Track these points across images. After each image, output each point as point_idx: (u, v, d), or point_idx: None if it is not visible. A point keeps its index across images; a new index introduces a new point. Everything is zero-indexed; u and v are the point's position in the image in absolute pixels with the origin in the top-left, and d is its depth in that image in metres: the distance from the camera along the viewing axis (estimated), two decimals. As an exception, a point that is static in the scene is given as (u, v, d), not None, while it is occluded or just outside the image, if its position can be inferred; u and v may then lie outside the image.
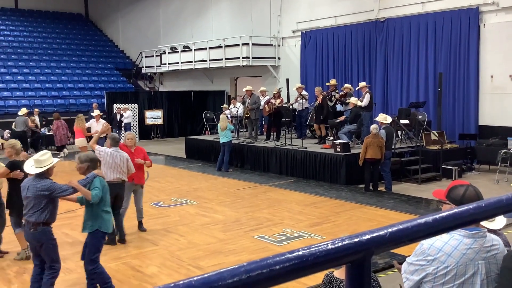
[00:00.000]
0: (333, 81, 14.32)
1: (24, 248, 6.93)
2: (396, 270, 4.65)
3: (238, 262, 6.82)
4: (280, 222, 8.73)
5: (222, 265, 6.71)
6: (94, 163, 5.64)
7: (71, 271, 6.55)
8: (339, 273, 3.74)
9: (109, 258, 6.98)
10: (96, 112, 14.92)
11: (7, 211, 7.08)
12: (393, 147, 11.53)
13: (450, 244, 2.40)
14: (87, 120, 14.74)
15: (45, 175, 5.32)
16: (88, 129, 14.57)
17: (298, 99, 14.71)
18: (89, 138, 13.96)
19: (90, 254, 5.54)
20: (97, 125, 14.25)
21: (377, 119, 11.11)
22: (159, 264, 6.77)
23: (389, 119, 11.13)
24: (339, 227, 8.36)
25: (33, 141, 17.89)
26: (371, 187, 11.04)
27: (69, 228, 8.53)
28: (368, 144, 10.58)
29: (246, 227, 8.49)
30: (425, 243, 2.45)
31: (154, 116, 22.44)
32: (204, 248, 7.38)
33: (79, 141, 14.07)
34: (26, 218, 5.32)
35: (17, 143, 6.93)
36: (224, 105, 16.03)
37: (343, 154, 11.87)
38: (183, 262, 6.80)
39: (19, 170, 6.55)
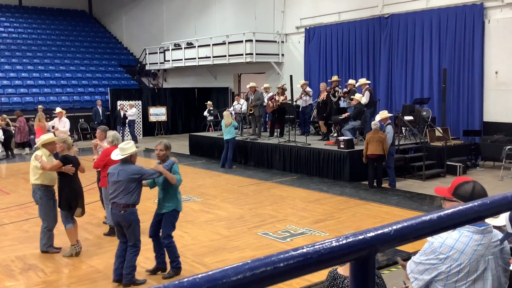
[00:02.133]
0: (334, 78, 14.29)
1: (73, 244, 6.97)
2: (400, 266, 4.65)
3: (242, 258, 6.83)
4: (283, 218, 8.74)
5: (226, 262, 6.73)
6: (170, 150, 6.14)
7: (75, 267, 6.57)
8: (343, 270, 3.74)
9: (112, 255, 6.97)
10: (58, 110, 14.12)
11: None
12: (395, 143, 11.45)
13: (461, 241, 2.38)
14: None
15: (130, 161, 5.85)
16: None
17: (303, 95, 14.69)
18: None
19: (168, 230, 6.05)
20: (60, 123, 13.64)
21: (377, 117, 11.06)
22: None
23: (379, 117, 11.04)
24: (342, 224, 8.36)
25: (5, 140, 16.75)
26: (375, 184, 11.03)
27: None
28: (368, 140, 10.61)
29: (250, 223, 8.49)
30: (436, 242, 2.41)
31: (158, 113, 22.45)
32: (208, 244, 7.39)
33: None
34: (116, 201, 5.78)
35: (69, 138, 7.10)
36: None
37: (347, 150, 11.86)
38: (187, 259, 6.80)
39: (71, 165, 6.72)
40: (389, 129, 10.79)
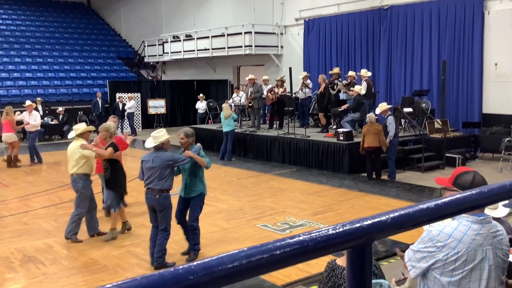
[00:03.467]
0: (336, 70, 14.25)
1: (113, 228, 7.26)
2: (398, 258, 4.66)
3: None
4: (283, 210, 8.75)
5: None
6: (195, 137, 6.40)
7: (75, 259, 6.58)
8: (342, 260, 3.75)
9: (113, 247, 7.02)
10: (28, 103, 13.74)
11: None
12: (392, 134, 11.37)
13: (459, 230, 2.38)
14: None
15: (162, 148, 6.09)
16: (21, 122, 13.73)
17: (303, 88, 14.67)
18: (21, 130, 13.15)
19: (196, 213, 6.35)
20: (30, 117, 13.36)
21: (377, 110, 11.04)
22: (163, 252, 6.78)
23: (378, 109, 11.01)
24: (342, 216, 8.37)
25: None
26: (374, 176, 11.03)
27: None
28: (365, 132, 10.63)
29: (249, 215, 8.51)
30: (434, 230, 2.41)
31: (157, 105, 22.41)
32: (207, 236, 7.40)
33: (8, 136, 13.02)
34: (151, 187, 6.04)
35: (111, 126, 7.27)
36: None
37: (346, 142, 11.85)
38: (186, 250, 6.81)
39: (119, 151, 7.07)
40: (390, 120, 10.77)
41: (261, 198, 9.70)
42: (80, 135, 7.14)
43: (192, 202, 6.33)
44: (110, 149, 6.93)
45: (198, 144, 6.40)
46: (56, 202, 9.58)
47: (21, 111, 14.54)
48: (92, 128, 7.63)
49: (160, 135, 6.08)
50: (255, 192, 10.21)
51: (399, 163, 11.78)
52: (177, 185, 6.67)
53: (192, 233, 6.41)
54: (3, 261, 6.53)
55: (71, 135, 7.29)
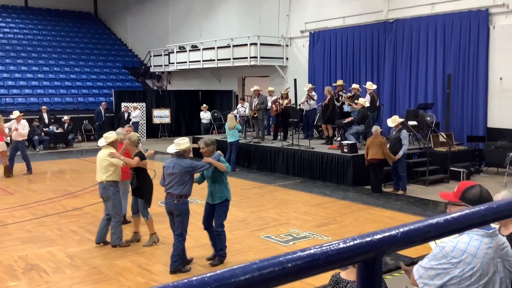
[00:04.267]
0: (339, 82, 14.28)
1: (153, 233, 7.44)
2: (403, 272, 4.63)
3: (244, 261, 6.78)
4: (286, 222, 8.73)
5: (228, 265, 6.72)
6: (215, 145, 6.60)
7: (78, 268, 6.58)
8: (346, 274, 3.73)
9: (116, 256, 7.01)
10: (16, 114, 13.59)
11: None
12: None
13: (472, 244, 2.37)
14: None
15: (184, 155, 6.30)
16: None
17: (308, 99, 14.70)
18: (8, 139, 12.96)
19: (221, 219, 6.53)
20: (19, 126, 13.33)
21: (390, 123, 10.96)
22: (166, 262, 6.76)
23: (391, 122, 10.94)
24: (345, 228, 8.35)
25: None
26: (376, 188, 11.02)
27: (76, 225, 8.56)
28: (369, 144, 10.65)
29: (252, 226, 8.49)
30: (447, 246, 2.39)
31: (162, 115, 22.49)
32: (210, 247, 7.38)
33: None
34: (170, 191, 6.24)
35: (134, 135, 7.49)
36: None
37: (350, 155, 11.85)
38: (189, 261, 6.80)
39: (146, 160, 7.26)
40: (405, 133, 10.79)
41: (265, 209, 9.69)
42: (110, 144, 7.31)
43: (217, 208, 6.51)
44: (137, 158, 7.12)
45: (218, 152, 6.58)
46: (60, 211, 9.60)
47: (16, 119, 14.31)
48: (122, 137, 7.75)
49: (182, 142, 6.32)
50: (258, 203, 10.19)
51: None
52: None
53: (217, 238, 6.57)
54: (6, 268, 6.53)
55: (101, 143, 7.45)
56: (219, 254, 6.65)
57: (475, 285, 2.35)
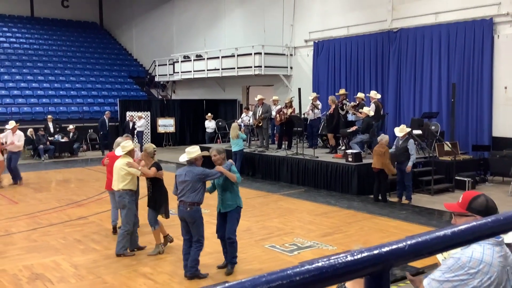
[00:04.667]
0: (342, 91, 14.29)
1: (158, 243, 7.48)
2: (408, 282, 4.61)
3: (249, 271, 6.81)
4: (291, 231, 8.70)
5: (233, 274, 6.70)
6: (226, 154, 6.72)
7: (83, 278, 6.57)
8: (351, 284, 3.71)
9: (120, 265, 7.01)
10: (12, 124, 13.35)
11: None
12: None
13: (487, 253, 2.35)
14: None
15: (195, 163, 6.40)
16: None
17: (313, 108, 14.72)
18: (4, 150, 12.87)
19: (234, 226, 6.60)
20: (14, 137, 13.16)
21: (398, 133, 10.81)
22: (171, 272, 6.77)
23: (398, 132, 10.83)
24: (350, 238, 8.31)
25: None
26: (380, 198, 10.98)
27: (81, 235, 8.56)
28: (373, 153, 10.68)
29: (257, 236, 8.47)
30: (463, 257, 2.36)
31: (166, 124, 22.54)
32: (214, 256, 7.37)
33: None
34: (182, 199, 6.34)
35: (150, 146, 7.55)
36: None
37: (354, 164, 11.83)
38: (194, 271, 6.78)
39: (162, 171, 7.40)
40: (412, 143, 10.72)
41: (269, 218, 9.67)
42: (128, 153, 7.42)
43: (229, 215, 6.56)
44: (153, 169, 7.22)
45: (230, 160, 6.68)
46: (64, 220, 9.61)
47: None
48: (137, 145, 7.81)
49: (193, 151, 6.45)
50: (263, 212, 10.17)
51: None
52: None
53: (230, 246, 6.62)
54: (11, 278, 6.53)
55: (118, 152, 7.53)
56: (231, 262, 6.69)
57: None
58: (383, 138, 10.73)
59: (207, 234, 6.85)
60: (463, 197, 2.59)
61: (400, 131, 10.73)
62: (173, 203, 8.05)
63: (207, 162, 6.94)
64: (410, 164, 10.59)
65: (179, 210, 6.43)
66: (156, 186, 7.33)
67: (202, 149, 7.82)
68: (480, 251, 2.35)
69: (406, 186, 10.88)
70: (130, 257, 7.34)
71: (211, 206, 10.46)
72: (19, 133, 13.47)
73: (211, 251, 7.25)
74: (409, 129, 11.08)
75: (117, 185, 7.35)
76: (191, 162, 6.40)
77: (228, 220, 6.58)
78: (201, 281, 6.40)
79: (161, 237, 7.55)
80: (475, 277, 2.32)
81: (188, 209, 6.31)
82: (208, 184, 6.61)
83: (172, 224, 8.10)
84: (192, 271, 6.39)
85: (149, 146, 7.57)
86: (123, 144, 7.52)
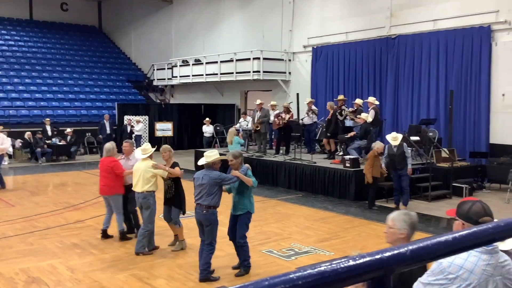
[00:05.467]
0: (340, 97, 14.31)
1: (182, 239, 7.81)
2: None
3: (246, 276, 6.79)
4: (288, 236, 8.69)
5: (230, 279, 6.69)
6: (243, 158, 6.84)
7: (79, 282, 6.55)
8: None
9: (117, 270, 6.98)
10: None
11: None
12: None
13: (470, 261, 2.38)
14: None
15: (213, 167, 6.51)
16: None
17: (310, 113, 14.73)
18: None
19: (243, 231, 6.68)
20: None
21: (392, 142, 10.75)
22: (167, 276, 6.75)
23: (392, 140, 10.74)
24: (347, 243, 8.31)
25: None
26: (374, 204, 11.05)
27: (78, 238, 8.54)
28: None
29: (254, 241, 8.44)
30: (444, 262, 2.40)
31: (164, 128, 22.53)
32: (212, 261, 7.35)
33: None
34: (199, 202, 6.44)
35: (167, 148, 7.79)
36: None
37: (352, 169, 11.84)
38: (191, 275, 6.77)
39: (182, 171, 7.68)
40: (406, 146, 10.76)
41: (267, 223, 9.66)
42: (150, 156, 7.70)
43: (239, 219, 6.68)
44: (177, 168, 7.49)
45: (246, 165, 6.75)
46: (61, 223, 9.58)
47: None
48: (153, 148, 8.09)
49: (211, 155, 6.57)
50: (260, 217, 10.15)
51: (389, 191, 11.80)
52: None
53: (240, 249, 6.73)
54: (7, 281, 6.50)
55: (139, 155, 7.73)
56: (243, 265, 6.79)
57: None
58: (375, 145, 10.73)
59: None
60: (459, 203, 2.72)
61: (394, 139, 10.69)
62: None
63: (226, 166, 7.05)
64: (410, 166, 10.64)
65: (196, 213, 6.58)
66: (177, 185, 7.61)
67: (200, 153, 7.95)
68: (463, 258, 2.38)
69: (404, 191, 10.87)
70: (126, 261, 7.32)
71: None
72: (2, 136, 13.48)
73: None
74: (401, 135, 11.09)
75: (141, 187, 7.51)
76: (209, 166, 6.51)
77: (238, 225, 6.70)
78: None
79: (182, 234, 7.79)
80: (453, 282, 2.36)
81: (204, 211, 6.44)
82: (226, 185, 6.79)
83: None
84: (204, 274, 6.48)
85: (169, 147, 7.82)
86: (144, 147, 7.77)
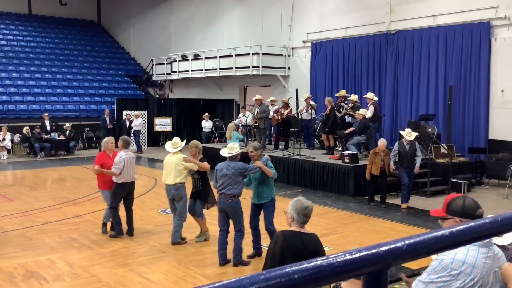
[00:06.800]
0: (342, 92, 14.31)
1: (205, 231, 8.15)
2: (403, 283, 4.61)
3: (244, 271, 6.81)
4: (287, 232, 8.69)
5: (228, 274, 6.71)
6: (261, 150, 7.15)
7: (78, 276, 6.56)
8: (347, 285, 3.72)
9: (116, 264, 6.99)
10: None
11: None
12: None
13: (470, 255, 2.37)
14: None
15: (235, 159, 6.86)
16: None
17: (309, 109, 14.71)
18: None
19: (270, 218, 7.03)
20: None
21: (408, 137, 10.53)
22: (166, 271, 6.76)
23: (408, 136, 10.53)
24: (346, 239, 8.32)
25: None
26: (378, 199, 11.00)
27: (76, 233, 8.54)
28: (375, 157, 10.61)
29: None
30: (446, 258, 2.39)
31: (163, 123, 22.51)
32: (210, 256, 7.38)
33: None
34: (224, 192, 6.77)
35: (199, 143, 8.07)
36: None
37: (351, 165, 11.84)
38: (189, 270, 6.79)
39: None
40: (417, 144, 10.66)
41: (266, 219, 9.65)
42: (180, 150, 7.99)
43: (265, 207, 7.01)
44: (206, 163, 7.81)
45: (266, 156, 7.16)
46: (60, 218, 9.59)
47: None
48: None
49: (235, 147, 6.96)
50: (259, 213, 10.15)
51: (394, 186, 11.76)
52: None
53: (270, 235, 6.91)
54: (5, 276, 6.51)
55: (169, 149, 7.98)
56: (259, 248, 7.23)
57: None
58: (379, 141, 10.69)
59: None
60: (444, 201, 2.67)
61: (409, 135, 10.49)
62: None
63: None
64: (418, 164, 10.55)
65: (220, 202, 6.88)
66: (204, 179, 7.93)
67: (210, 150, 8.04)
68: (464, 253, 2.37)
69: (409, 189, 10.76)
70: (125, 256, 7.33)
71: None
72: None
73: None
74: (415, 133, 10.93)
75: (173, 179, 7.76)
76: (232, 157, 6.83)
77: (264, 213, 7.01)
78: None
79: (206, 226, 8.11)
80: (457, 278, 2.35)
81: (229, 200, 6.75)
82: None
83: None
84: (237, 259, 6.88)
85: (197, 142, 8.04)
86: (175, 142, 8.06)
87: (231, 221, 6.99)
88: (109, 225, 8.50)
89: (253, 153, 6.92)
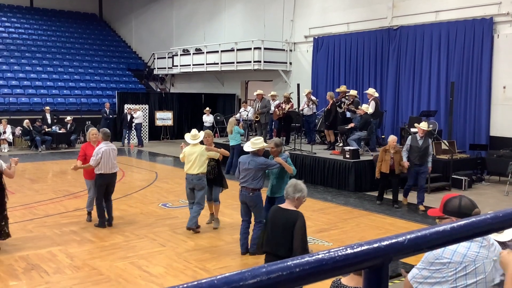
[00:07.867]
0: (343, 88, 14.28)
1: (217, 217, 8.58)
2: (403, 279, 4.62)
3: (244, 265, 6.83)
4: (287, 227, 8.70)
5: (229, 268, 6.73)
6: (281, 147, 7.28)
7: (78, 269, 6.58)
8: (347, 280, 3.72)
9: (116, 258, 7.01)
10: None
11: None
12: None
13: (463, 245, 2.42)
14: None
15: (258, 154, 7.01)
16: None
17: (310, 104, 14.70)
18: None
19: None
20: None
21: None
22: (166, 265, 6.78)
23: (423, 126, 10.15)
24: (346, 234, 8.34)
25: None
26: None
27: (77, 226, 8.57)
28: (385, 154, 10.26)
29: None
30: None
31: (164, 117, 22.51)
32: (211, 250, 7.40)
33: None
34: (245, 185, 7.00)
35: (211, 132, 8.45)
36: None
37: (352, 160, 11.85)
38: (189, 264, 6.81)
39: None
40: (430, 141, 10.29)
41: (266, 213, 9.67)
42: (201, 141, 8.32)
43: (278, 201, 6.95)
44: (223, 149, 8.32)
45: (286, 153, 7.37)
46: (61, 211, 9.61)
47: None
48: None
49: (258, 142, 7.07)
50: (260, 208, 10.17)
51: (404, 184, 11.70)
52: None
53: None
54: (6, 268, 6.53)
55: (189, 140, 8.22)
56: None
57: (472, 284, 2.39)
58: (389, 138, 10.31)
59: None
60: (441, 201, 2.69)
61: (424, 126, 10.05)
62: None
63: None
64: (430, 164, 10.16)
65: (241, 195, 7.12)
66: (219, 166, 8.38)
67: (200, 143, 8.14)
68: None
69: (421, 189, 10.32)
70: (125, 250, 7.35)
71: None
72: None
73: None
74: (429, 128, 10.60)
75: (197, 169, 8.03)
76: (254, 152, 6.98)
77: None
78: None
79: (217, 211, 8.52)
80: (448, 266, 2.40)
81: (251, 194, 6.98)
82: None
83: (174, 217, 8.06)
84: (254, 248, 7.15)
85: (210, 131, 8.38)
86: (194, 133, 8.25)
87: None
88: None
89: (274, 149, 7.03)
